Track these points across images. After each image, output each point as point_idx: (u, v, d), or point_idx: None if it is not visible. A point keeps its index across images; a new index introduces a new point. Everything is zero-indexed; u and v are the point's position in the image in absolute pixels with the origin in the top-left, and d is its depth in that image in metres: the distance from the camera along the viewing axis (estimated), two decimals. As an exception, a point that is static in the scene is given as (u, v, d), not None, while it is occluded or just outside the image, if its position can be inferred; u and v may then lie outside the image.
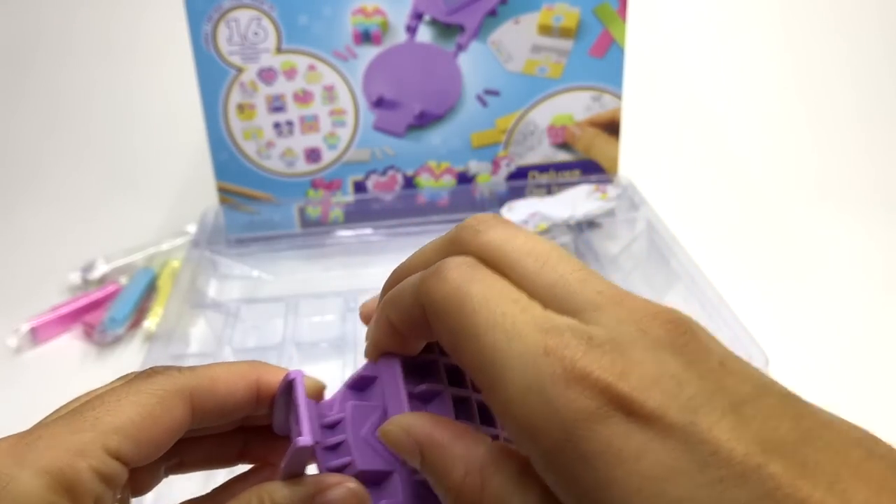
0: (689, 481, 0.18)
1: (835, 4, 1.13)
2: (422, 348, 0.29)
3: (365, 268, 0.83)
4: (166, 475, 0.32)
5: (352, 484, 0.27)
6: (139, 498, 0.31)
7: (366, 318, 0.30)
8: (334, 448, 0.30)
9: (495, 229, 0.25)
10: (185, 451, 0.32)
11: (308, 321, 0.72)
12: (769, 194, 0.95)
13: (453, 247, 0.26)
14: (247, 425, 0.32)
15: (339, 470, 0.29)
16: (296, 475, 0.28)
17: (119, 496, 0.29)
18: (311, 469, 0.29)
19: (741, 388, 0.20)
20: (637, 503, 0.19)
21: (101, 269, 0.82)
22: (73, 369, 0.71)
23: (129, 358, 0.72)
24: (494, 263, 0.24)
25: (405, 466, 0.29)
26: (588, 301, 0.22)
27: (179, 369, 0.29)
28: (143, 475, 0.30)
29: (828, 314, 0.73)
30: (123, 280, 0.82)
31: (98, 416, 0.26)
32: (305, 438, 0.27)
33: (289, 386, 0.29)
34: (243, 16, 0.78)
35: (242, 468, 0.33)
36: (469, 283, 0.23)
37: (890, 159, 1.00)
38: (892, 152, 1.01)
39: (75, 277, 0.82)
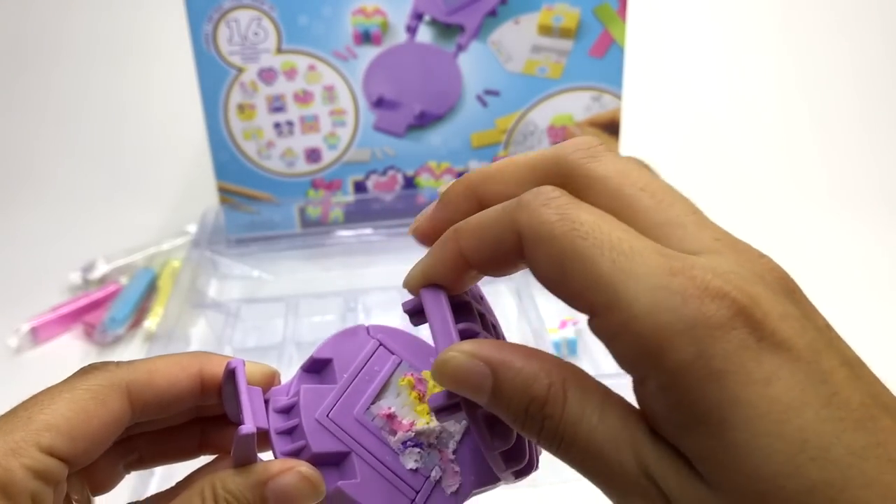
0: (813, 415, 0.19)
1: (836, 4, 1.13)
2: (466, 289, 0.28)
3: (365, 268, 0.83)
4: (127, 472, 0.32)
5: (303, 468, 0.27)
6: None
7: (422, 240, 0.29)
8: (289, 432, 0.30)
9: (607, 158, 0.24)
10: (142, 447, 0.32)
11: (308, 321, 0.72)
12: (770, 194, 0.95)
13: (555, 169, 0.25)
14: (204, 416, 0.32)
15: (294, 454, 0.29)
16: (248, 462, 0.28)
17: (76, 497, 0.29)
18: (268, 455, 0.29)
19: (847, 351, 0.21)
20: (761, 426, 0.19)
21: (101, 269, 0.82)
22: (74, 369, 0.71)
23: (130, 358, 0.72)
24: (603, 194, 0.24)
25: (362, 447, 0.29)
26: (705, 246, 0.22)
27: (117, 364, 0.29)
28: (99, 473, 0.30)
29: (830, 315, 0.73)
30: (124, 280, 0.82)
31: (30, 415, 0.26)
32: (247, 427, 0.27)
33: (231, 375, 0.29)
34: (243, 16, 0.78)
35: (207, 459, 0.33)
36: (576, 211, 0.22)
37: (892, 159, 1.00)
38: (894, 152, 1.01)
39: (76, 277, 0.82)
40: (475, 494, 0.31)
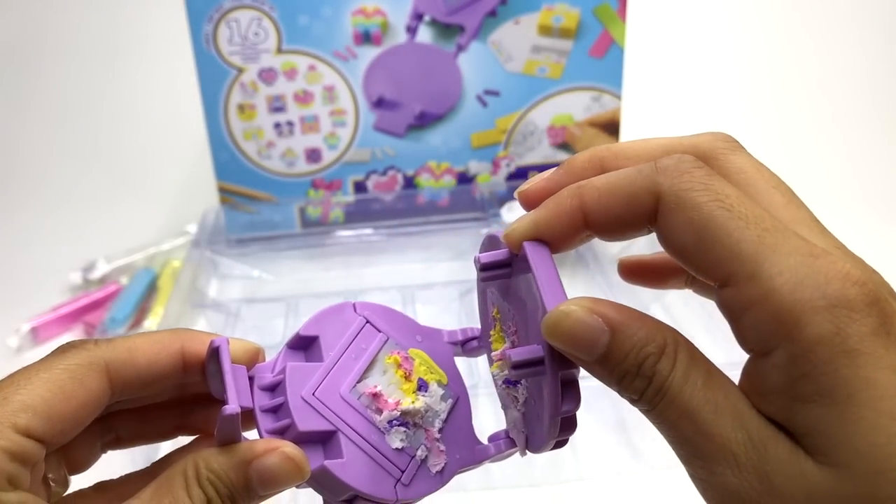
0: None
1: (837, 4, 1.13)
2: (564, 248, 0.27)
3: (365, 268, 0.83)
4: (104, 451, 0.32)
5: (288, 448, 0.27)
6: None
7: (531, 200, 0.28)
8: (274, 411, 0.29)
9: (744, 154, 0.26)
10: (119, 426, 0.31)
11: (308, 321, 0.72)
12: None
13: (692, 152, 0.25)
14: (184, 395, 0.32)
15: (279, 433, 0.29)
16: (232, 442, 0.27)
17: (52, 476, 0.29)
18: (253, 434, 0.29)
19: None
20: (886, 407, 0.20)
21: (101, 269, 0.82)
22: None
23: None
24: (739, 183, 0.25)
25: (347, 426, 0.29)
26: (830, 248, 0.23)
27: (96, 342, 0.29)
28: (77, 452, 0.30)
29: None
30: (124, 280, 0.82)
31: (6, 395, 0.26)
32: (232, 406, 0.26)
33: (216, 353, 0.29)
34: (244, 16, 0.78)
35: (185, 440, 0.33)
36: (720, 184, 0.23)
37: (893, 160, 1.00)
38: (894, 152, 1.01)
39: (76, 277, 0.82)
40: (460, 473, 0.31)
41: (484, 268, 0.29)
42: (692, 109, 1.07)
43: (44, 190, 0.98)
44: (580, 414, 0.27)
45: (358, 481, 0.28)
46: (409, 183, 0.87)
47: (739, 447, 0.22)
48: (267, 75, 0.80)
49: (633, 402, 0.24)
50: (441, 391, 0.32)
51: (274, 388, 0.30)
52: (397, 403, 0.30)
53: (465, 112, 0.84)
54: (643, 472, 0.61)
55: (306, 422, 0.28)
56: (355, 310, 0.32)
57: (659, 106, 1.06)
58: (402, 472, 0.29)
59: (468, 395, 0.33)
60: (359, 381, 0.31)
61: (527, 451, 0.30)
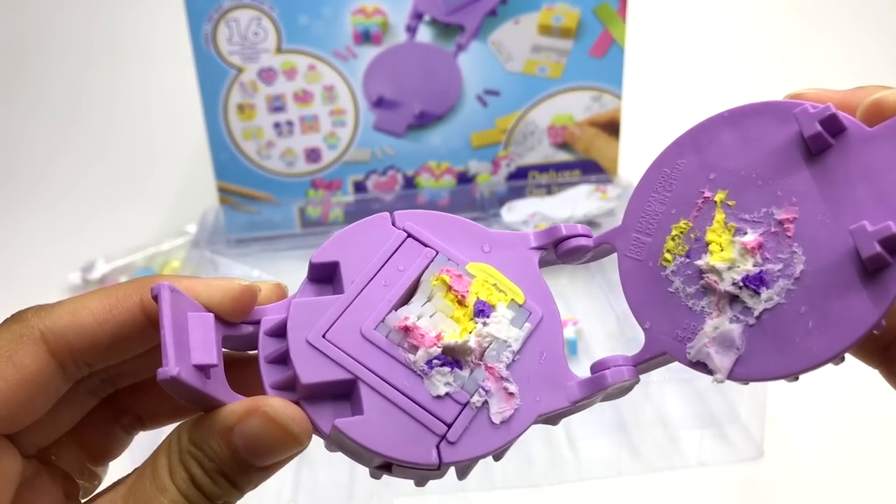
0: None
1: (837, 3, 1.13)
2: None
3: (365, 268, 0.83)
4: (130, 433, 0.29)
5: (269, 408, 0.22)
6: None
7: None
8: (283, 360, 0.24)
9: None
10: (135, 405, 0.28)
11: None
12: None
13: None
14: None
15: (287, 387, 0.24)
16: (210, 407, 0.23)
17: (77, 471, 0.27)
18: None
19: None
20: None
21: (101, 269, 0.82)
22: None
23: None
24: None
25: (371, 372, 0.23)
26: None
27: (35, 310, 0.25)
28: (93, 440, 0.28)
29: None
30: (123, 280, 0.81)
31: None
32: (165, 369, 0.21)
33: (157, 302, 0.23)
34: (243, 16, 0.78)
35: None
36: None
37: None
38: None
39: (75, 277, 0.82)
40: (542, 421, 0.24)
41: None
42: (693, 109, 1.07)
43: (43, 189, 0.98)
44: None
45: (381, 443, 0.22)
46: (409, 183, 0.87)
47: None
48: (266, 75, 0.80)
49: None
50: (512, 314, 0.25)
51: (281, 332, 0.24)
52: (438, 337, 0.24)
53: (465, 112, 0.84)
54: (643, 472, 0.60)
55: (312, 371, 0.23)
56: (394, 223, 0.26)
57: (659, 106, 1.06)
58: (449, 426, 0.23)
59: (558, 313, 0.25)
60: (389, 314, 0.24)
61: (727, 379, 0.24)
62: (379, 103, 0.83)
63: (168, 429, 0.26)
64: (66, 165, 1.00)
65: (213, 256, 0.82)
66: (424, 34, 0.80)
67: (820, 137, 0.23)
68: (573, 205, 0.81)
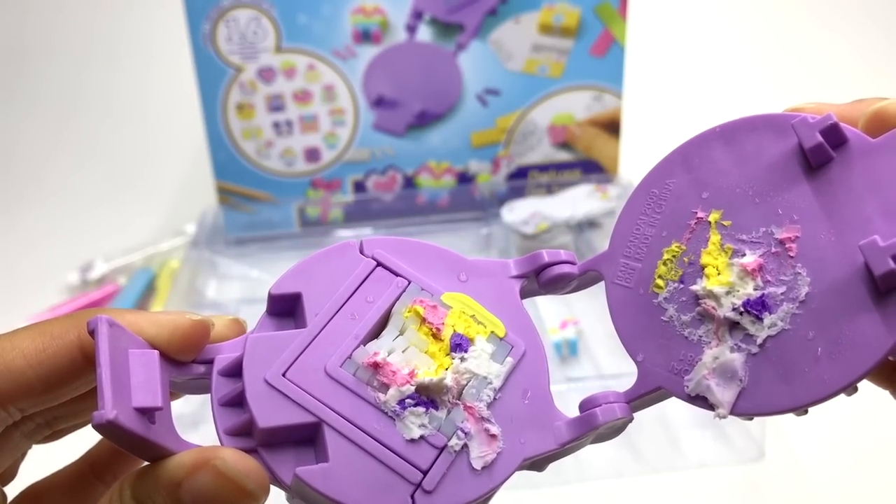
0: None
1: (838, 3, 1.13)
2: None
3: (364, 268, 0.83)
4: (33, 441, 0.26)
5: (220, 462, 0.20)
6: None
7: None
8: (238, 402, 0.22)
9: None
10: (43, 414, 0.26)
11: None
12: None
13: None
14: None
15: (243, 432, 0.21)
16: (157, 457, 0.20)
17: None
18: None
19: None
20: None
21: (99, 269, 0.82)
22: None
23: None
24: None
25: (336, 414, 0.21)
26: None
27: None
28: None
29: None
30: (122, 280, 0.81)
31: None
32: (100, 413, 0.19)
33: (94, 337, 0.20)
34: (242, 15, 0.77)
35: None
36: None
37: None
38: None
39: (74, 277, 0.82)
40: (526, 468, 0.23)
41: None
42: (693, 109, 1.07)
43: (42, 190, 0.98)
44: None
45: (348, 493, 0.20)
46: (409, 182, 0.86)
47: None
48: (266, 74, 0.80)
49: None
50: (492, 348, 0.23)
51: (236, 371, 0.22)
52: (412, 374, 0.22)
53: (465, 111, 0.84)
54: (644, 473, 0.60)
55: (270, 414, 0.21)
56: (362, 251, 0.24)
57: (660, 105, 1.06)
58: (424, 473, 0.21)
59: (542, 347, 0.24)
60: (357, 349, 0.22)
61: (729, 414, 0.22)
62: (378, 103, 0.82)
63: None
64: (65, 164, 1.00)
65: (212, 256, 0.81)
66: (424, 33, 0.80)
67: (821, 149, 0.22)
68: (573, 204, 0.81)
